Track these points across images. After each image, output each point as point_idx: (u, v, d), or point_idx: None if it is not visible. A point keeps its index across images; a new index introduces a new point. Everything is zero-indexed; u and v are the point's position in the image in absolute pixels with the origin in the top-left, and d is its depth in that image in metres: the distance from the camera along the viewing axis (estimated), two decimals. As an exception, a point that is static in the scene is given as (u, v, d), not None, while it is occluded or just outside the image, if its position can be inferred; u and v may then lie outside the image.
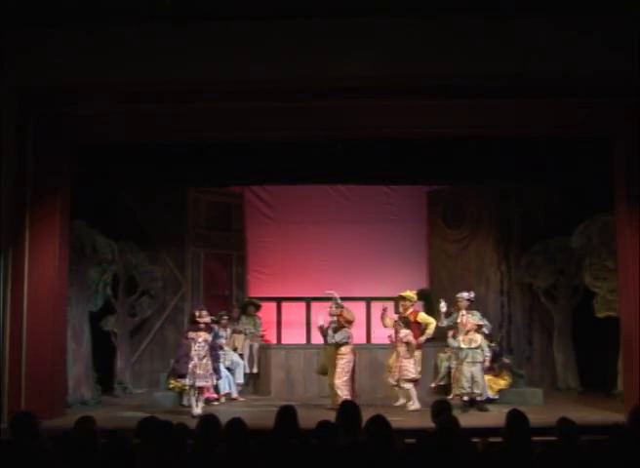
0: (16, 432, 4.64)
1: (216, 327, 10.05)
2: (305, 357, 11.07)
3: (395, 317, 9.93)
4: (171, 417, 5.64)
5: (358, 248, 12.51)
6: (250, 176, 10.77)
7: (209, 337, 9.04)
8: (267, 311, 12.01)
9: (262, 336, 11.73)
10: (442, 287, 12.19)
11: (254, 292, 12.63)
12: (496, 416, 8.18)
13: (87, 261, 10.39)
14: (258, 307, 11.81)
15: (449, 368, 10.49)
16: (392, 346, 9.77)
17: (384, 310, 9.96)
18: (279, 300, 12.21)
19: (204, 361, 8.93)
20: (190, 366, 8.88)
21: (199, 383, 8.89)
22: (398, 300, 10.33)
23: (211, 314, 9.71)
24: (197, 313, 9.21)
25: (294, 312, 12.08)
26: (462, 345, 9.41)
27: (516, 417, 4.80)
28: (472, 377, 9.25)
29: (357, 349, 9.86)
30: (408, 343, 9.50)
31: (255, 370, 11.27)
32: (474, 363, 9.32)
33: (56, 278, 8.79)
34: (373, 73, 8.10)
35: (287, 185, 11.90)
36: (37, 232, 8.65)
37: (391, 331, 9.75)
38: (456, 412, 8.50)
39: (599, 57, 7.94)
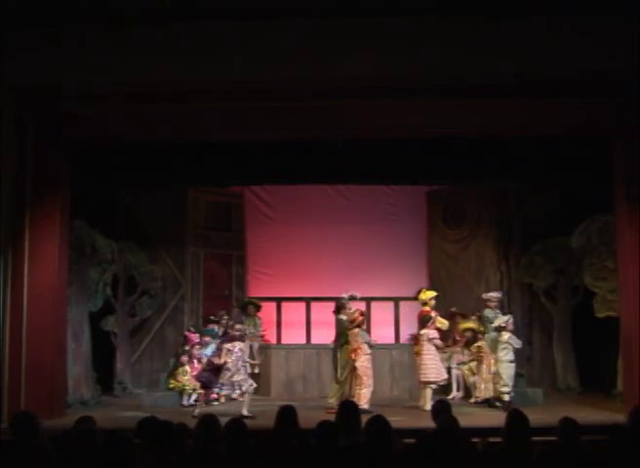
0: (16, 432, 4.64)
1: (215, 327, 10.05)
2: (305, 357, 11.05)
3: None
4: (171, 417, 5.63)
5: (358, 248, 12.51)
6: (250, 176, 10.77)
7: (244, 346, 9.02)
8: (267, 311, 12.00)
9: (262, 336, 11.72)
10: (442, 287, 12.18)
11: (254, 292, 12.62)
12: (496, 416, 8.18)
13: (87, 261, 10.39)
14: (258, 307, 11.79)
15: (449, 368, 10.50)
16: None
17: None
18: (279, 300, 12.19)
19: (239, 370, 8.91)
20: (227, 376, 8.85)
21: (225, 392, 9.04)
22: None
23: (211, 314, 9.71)
24: (224, 321, 9.21)
25: (294, 312, 12.06)
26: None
27: (516, 417, 4.80)
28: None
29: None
30: (436, 344, 9.79)
31: (256, 371, 11.26)
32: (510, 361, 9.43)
33: (55, 278, 8.78)
34: (373, 73, 8.10)
35: (287, 185, 11.90)
36: (37, 232, 8.65)
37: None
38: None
39: (599, 57, 7.93)
